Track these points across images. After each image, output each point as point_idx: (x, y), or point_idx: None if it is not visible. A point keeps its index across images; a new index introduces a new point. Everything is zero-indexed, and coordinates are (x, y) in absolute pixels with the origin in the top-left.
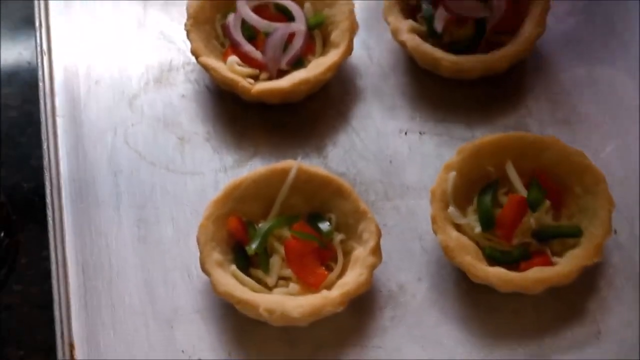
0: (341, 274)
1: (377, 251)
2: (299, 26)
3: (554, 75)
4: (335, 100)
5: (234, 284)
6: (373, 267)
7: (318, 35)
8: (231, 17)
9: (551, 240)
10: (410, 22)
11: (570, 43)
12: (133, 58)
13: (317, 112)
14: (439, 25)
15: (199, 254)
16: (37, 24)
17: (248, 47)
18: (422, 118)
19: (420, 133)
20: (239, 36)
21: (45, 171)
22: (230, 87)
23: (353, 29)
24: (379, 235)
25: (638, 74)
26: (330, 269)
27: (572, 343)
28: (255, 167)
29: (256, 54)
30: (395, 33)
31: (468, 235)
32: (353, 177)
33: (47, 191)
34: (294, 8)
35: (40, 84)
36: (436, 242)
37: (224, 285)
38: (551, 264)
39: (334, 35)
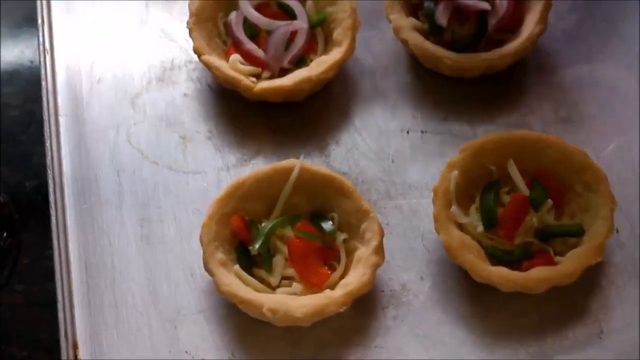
0: (344, 274)
1: (379, 251)
2: (301, 24)
3: (556, 74)
4: (337, 99)
5: (237, 283)
6: (376, 267)
7: (320, 33)
8: (233, 15)
9: (553, 240)
10: (412, 20)
11: (571, 41)
12: (135, 56)
13: (319, 110)
14: (442, 20)
15: (202, 253)
16: (39, 22)
17: (250, 46)
18: (424, 117)
19: (422, 132)
20: (241, 34)
21: (48, 170)
22: (233, 85)
23: (355, 27)
24: (381, 234)
25: (639, 72)
26: (332, 269)
27: (574, 343)
28: (257, 166)
29: (258, 52)
30: (397, 31)
31: (470, 234)
32: (355, 176)
33: (50, 190)
34: (296, 6)
35: (43, 82)
36: (438, 241)
37: (227, 285)
38: (553, 263)
39: (336, 34)
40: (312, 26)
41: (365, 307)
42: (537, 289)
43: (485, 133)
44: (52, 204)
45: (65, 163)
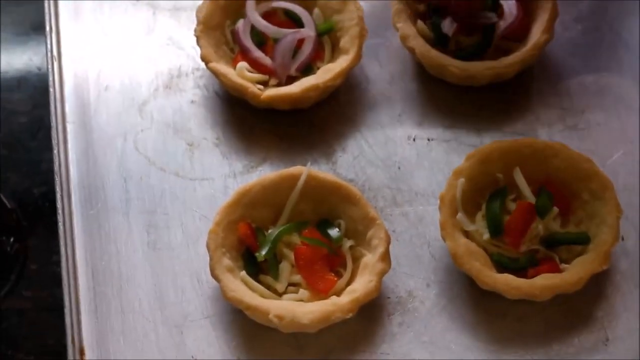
0: (350, 280)
1: (386, 258)
2: (308, 32)
3: (562, 82)
4: (344, 106)
5: (243, 289)
6: (382, 274)
7: (327, 41)
8: (240, 23)
9: (559, 247)
10: (420, 25)
11: (577, 50)
12: (143, 64)
13: (326, 118)
14: (448, 30)
15: (208, 259)
16: (47, 29)
17: (257, 53)
18: (430, 124)
19: (428, 139)
20: (248, 42)
21: (55, 177)
22: (240, 92)
23: (362, 35)
24: (388, 241)
25: None
26: (339, 275)
27: (580, 350)
28: (264, 173)
29: (265, 60)
30: (404, 39)
31: (476, 241)
32: (362, 184)
33: (57, 196)
34: (303, 14)
35: (51, 89)
36: (444, 249)
37: (233, 291)
38: (559, 270)
39: (343, 42)
40: (319, 34)
41: (371, 314)
42: (542, 296)
43: (492, 141)
44: (59, 211)
45: (72, 170)
